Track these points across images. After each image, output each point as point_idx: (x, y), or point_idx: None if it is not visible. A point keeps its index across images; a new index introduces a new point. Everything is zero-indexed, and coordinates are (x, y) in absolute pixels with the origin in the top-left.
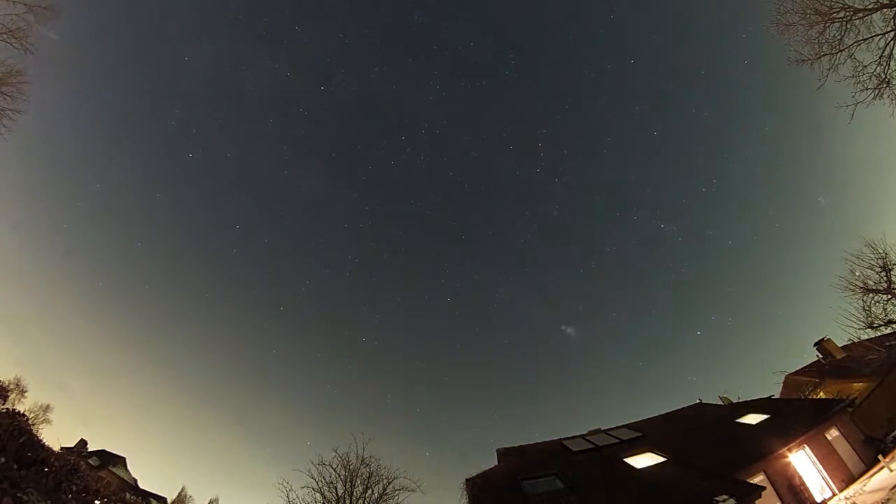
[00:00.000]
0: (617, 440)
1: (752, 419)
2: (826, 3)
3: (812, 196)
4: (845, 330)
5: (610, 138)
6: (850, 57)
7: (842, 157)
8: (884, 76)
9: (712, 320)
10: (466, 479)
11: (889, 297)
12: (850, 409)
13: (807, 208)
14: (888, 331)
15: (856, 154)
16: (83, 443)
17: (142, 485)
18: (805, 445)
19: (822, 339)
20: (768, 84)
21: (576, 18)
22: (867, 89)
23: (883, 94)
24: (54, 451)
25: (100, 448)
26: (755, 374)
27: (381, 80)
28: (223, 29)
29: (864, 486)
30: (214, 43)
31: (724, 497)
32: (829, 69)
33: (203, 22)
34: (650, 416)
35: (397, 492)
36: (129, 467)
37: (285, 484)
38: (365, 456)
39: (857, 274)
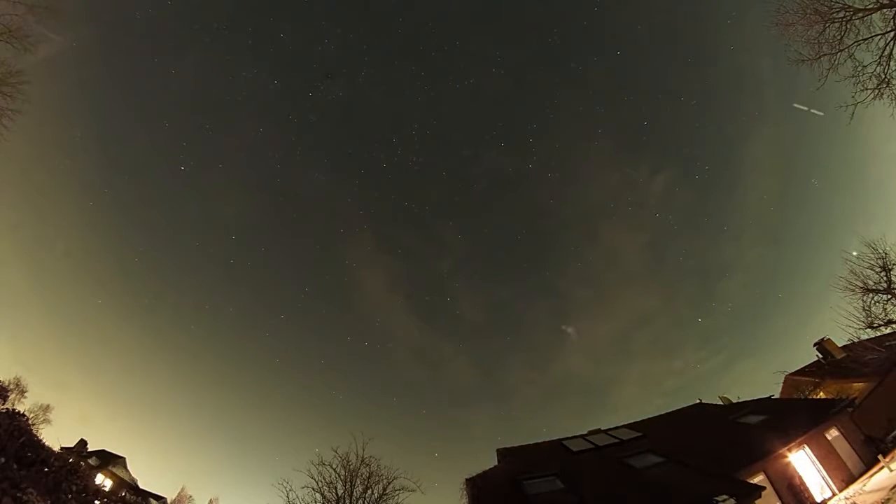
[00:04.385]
0: (617, 440)
1: (752, 419)
2: (826, 3)
3: (805, 178)
4: (845, 330)
5: (600, 130)
6: (850, 57)
7: (832, 137)
8: (884, 76)
9: (713, 307)
10: (466, 479)
11: (889, 297)
12: (850, 409)
13: (800, 191)
14: (888, 331)
15: (845, 134)
16: (83, 443)
17: (142, 485)
18: (805, 445)
19: (822, 339)
20: (754, 69)
21: (559, 11)
22: (867, 89)
23: (883, 94)
24: (54, 451)
25: (100, 448)
26: (755, 374)
27: (369, 83)
28: (208, 41)
29: (864, 485)
30: (200, 55)
31: (724, 497)
32: (828, 69)
33: (187, 35)
34: (650, 416)
35: (397, 492)
36: (129, 467)
37: (285, 484)
38: (365, 456)
39: (855, 255)
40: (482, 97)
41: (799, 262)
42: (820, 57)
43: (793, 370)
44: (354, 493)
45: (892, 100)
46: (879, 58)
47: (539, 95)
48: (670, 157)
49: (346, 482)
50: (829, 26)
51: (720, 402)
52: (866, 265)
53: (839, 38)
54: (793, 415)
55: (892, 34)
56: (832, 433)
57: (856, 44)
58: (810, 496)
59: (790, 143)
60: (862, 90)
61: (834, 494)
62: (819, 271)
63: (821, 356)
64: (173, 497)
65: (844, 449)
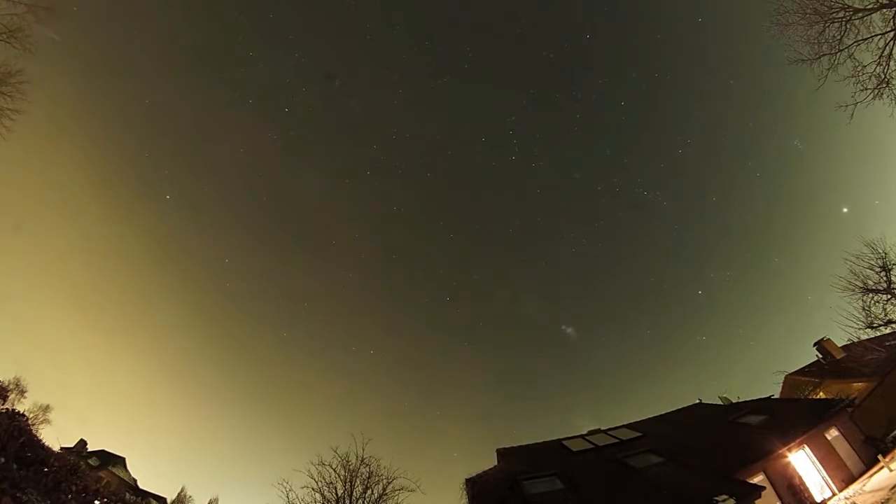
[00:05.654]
0: (617, 440)
1: (752, 419)
2: (826, 3)
3: (788, 140)
4: (845, 330)
5: (579, 115)
6: (850, 57)
7: (810, 98)
8: (883, 76)
9: (711, 278)
10: (466, 480)
11: (889, 297)
12: (849, 409)
13: (784, 153)
14: (888, 331)
15: (824, 95)
16: (83, 443)
17: (142, 485)
18: (805, 445)
19: (822, 339)
20: (724, 41)
21: (524, 2)
22: (867, 89)
23: (882, 94)
24: (54, 452)
25: (100, 448)
26: (755, 374)
27: (344, 93)
28: (178, 65)
29: (864, 485)
30: (171, 81)
31: (724, 497)
32: (828, 69)
33: (156, 62)
34: (650, 417)
35: (397, 492)
36: (128, 467)
37: (285, 484)
38: (365, 456)
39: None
40: (456, 95)
41: (784, 206)
42: (820, 57)
43: (793, 370)
44: (354, 493)
45: (891, 100)
46: (879, 58)
47: (513, 87)
48: (645, 129)
49: (345, 482)
50: (828, 26)
51: (720, 402)
52: (866, 265)
53: (839, 38)
54: (792, 415)
55: (891, 34)
56: (832, 433)
57: (856, 44)
58: (810, 496)
59: (759, 103)
60: (862, 90)
61: (834, 494)
62: (803, 214)
63: (821, 356)
64: (173, 497)
65: (844, 449)
